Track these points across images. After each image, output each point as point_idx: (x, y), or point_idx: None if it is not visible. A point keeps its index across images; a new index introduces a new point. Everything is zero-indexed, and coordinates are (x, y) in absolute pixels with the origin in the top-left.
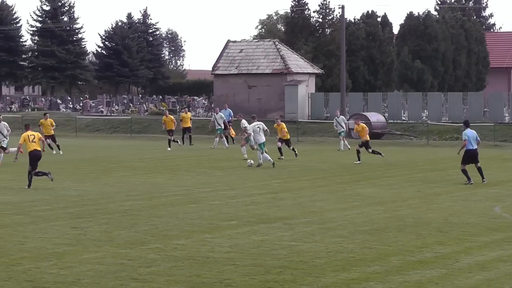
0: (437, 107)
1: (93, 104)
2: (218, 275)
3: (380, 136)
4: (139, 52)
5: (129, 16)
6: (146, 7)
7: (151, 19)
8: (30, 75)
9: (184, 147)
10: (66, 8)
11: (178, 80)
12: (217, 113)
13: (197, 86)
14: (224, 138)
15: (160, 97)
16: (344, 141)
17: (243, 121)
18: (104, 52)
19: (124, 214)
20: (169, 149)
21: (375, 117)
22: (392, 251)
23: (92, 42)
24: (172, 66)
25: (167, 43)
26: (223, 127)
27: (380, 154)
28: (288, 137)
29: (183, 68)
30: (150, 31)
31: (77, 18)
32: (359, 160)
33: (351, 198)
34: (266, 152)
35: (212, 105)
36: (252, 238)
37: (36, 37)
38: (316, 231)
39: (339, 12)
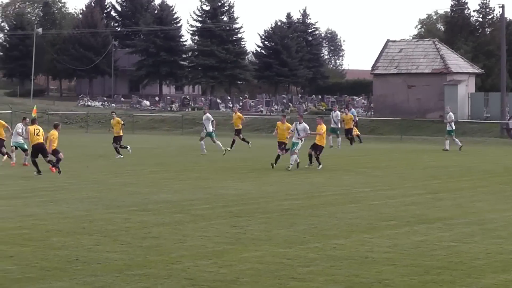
0: None
1: (253, 104)
2: (376, 275)
3: None
4: (298, 51)
5: (289, 16)
6: (305, 7)
7: (310, 18)
8: (190, 75)
9: (345, 147)
10: (225, 8)
11: (337, 80)
12: (335, 111)
13: (357, 85)
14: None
15: (320, 96)
16: (455, 140)
17: (207, 115)
18: (263, 51)
19: (283, 213)
20: (229, 149)
21: None
22: None
23: (251, 42)
24: (331, 65)
25: (326, 43)
26: (339, 126)
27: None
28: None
29: (342, 68)
30: (309, 30)
31: (237, 18)
32: (311, 163)
33: (511, 199)
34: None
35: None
36: (411, 238)
37: (196, 37)
38: (476, 231)
39: (499, 12)
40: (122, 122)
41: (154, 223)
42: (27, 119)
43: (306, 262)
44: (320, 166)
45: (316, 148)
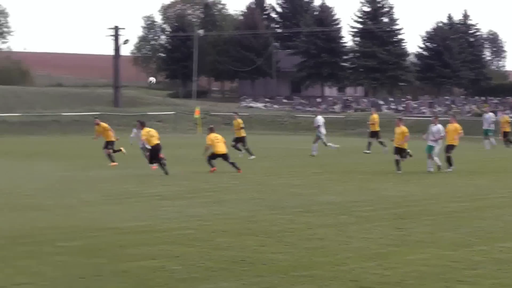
0: None
1: (415, 105)
2: None
3: None
4: (460, 53)
5: (449, 17)
6: (466, 9)
7: (471, 19)
8: (351, 76)
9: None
10: (386, 9)
11: (501, 81)
12: (487, 113)
13: None
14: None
15: (483, 98)
16: None
17: (319, 117)
18: (425, 53)
19: (447, 216)
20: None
21: None
22: None
23: (411, 43)
24: (494, 67)
25: (488, 44)
26: (492, 128)
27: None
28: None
29: (505, 69)
30: (471, 32)
31: (397, 19)
32: (451, 165)
33: None
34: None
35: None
36: None
37: (357, 38)
38: None
39: None
40: (242, 126)
41: (319, 224)
42: (138, 123)
43: (473, 265)
44: (451, 168)
45: (449, 147)
